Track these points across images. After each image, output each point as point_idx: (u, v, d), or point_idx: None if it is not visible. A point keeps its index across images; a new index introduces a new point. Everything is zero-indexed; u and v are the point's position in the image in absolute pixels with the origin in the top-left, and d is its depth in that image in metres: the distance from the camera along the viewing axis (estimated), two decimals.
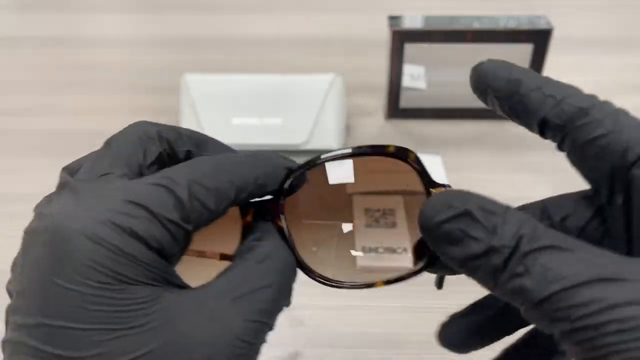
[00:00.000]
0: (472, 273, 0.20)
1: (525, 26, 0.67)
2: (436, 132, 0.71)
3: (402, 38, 0.68)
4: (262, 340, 0.23)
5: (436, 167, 0.65)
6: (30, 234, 0.22)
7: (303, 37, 0.94)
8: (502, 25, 0.67)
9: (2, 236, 0.44)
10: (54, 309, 0.20)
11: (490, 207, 0.19)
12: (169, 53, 0.91)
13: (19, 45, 0.93)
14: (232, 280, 0.23)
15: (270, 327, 0.23)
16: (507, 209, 0.19)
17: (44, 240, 0.21)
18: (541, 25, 0.67)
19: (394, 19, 0.69)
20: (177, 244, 0.22)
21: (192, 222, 0.22)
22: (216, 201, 0.23)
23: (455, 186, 0.68)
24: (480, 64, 0.23)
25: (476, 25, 0.67)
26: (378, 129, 0.72)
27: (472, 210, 0.19)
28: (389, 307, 0.50)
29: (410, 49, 0.68)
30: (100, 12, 1.05)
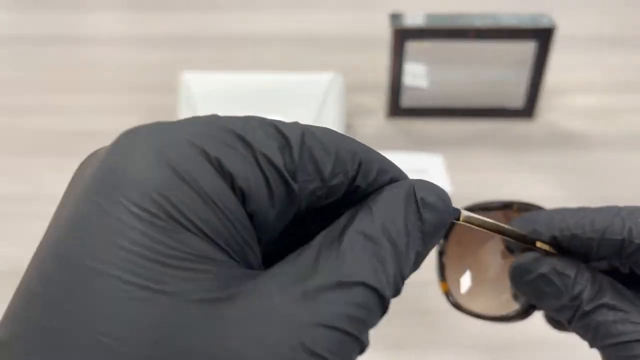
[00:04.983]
0: (557, 316, 0.24)
1: (528, 24, 0.66)
2: (437, 131, 0.71)
3: (403, 36, 0.67)
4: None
5: (437, 167, 0.65)
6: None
7: (303, 36, 0.93)
8: (504, 23, 0.67)
9: None
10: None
11: (562, 269, 0.24)
12: (168, 51, 0.90)
13: (16, 44, 0.93)
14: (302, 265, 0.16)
15: (360, 343, 0.16)
16: (578, 269, 0.23)
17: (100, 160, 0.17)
18: (544, 23, 0.66)
19: (395, 17, 0.68)
20: (273, 204, 0.16)
21: (297, 182, 0.17)
22: (332, 169, 0.17)
23: (456, 186, 0.68)
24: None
25: (478, 24, 0.66)
26: (379, 129, 0.72)
27: (545, 273, 0.23)
28: (389, 307, 0.49)
29: (411, 47, 0.68)
30: (97, 10, 1.05)
